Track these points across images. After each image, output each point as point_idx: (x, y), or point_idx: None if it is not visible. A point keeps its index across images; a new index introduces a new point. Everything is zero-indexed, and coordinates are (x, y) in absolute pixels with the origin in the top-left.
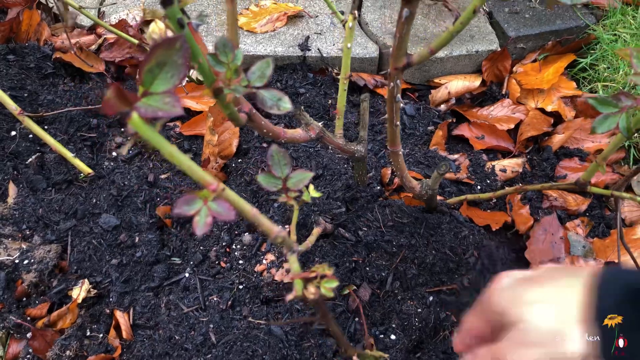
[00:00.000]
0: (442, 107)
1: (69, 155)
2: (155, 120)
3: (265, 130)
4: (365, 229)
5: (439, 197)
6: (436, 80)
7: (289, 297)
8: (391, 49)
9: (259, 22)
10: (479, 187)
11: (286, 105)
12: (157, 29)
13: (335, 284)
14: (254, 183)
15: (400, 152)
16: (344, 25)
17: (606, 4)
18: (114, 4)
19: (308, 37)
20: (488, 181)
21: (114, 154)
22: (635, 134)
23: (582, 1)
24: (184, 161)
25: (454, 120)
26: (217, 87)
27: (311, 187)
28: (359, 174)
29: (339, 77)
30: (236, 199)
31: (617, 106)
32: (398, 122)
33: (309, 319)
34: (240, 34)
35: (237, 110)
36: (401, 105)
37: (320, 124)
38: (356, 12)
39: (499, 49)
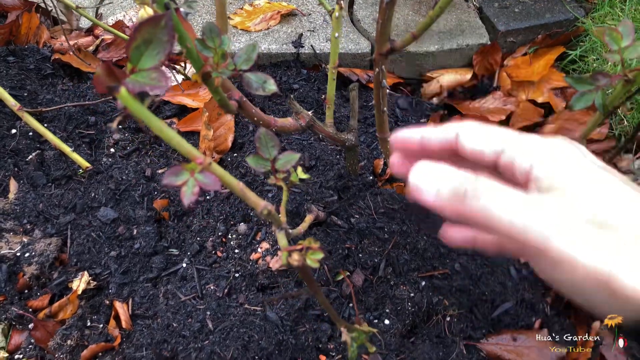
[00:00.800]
0: (435, 100)
1: (67, 149)
2: (144, 96)
3: (256, 119)
4: (358, 216)
5: None
6: (428, 74)
7: (275, 265)
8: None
9: (253, 21)
10: None
11: (271, 87)
12: (146, 14)
13: (320, 255)
14: (249, 175)
15: (389, 139)
16: (331, 15)
17: None
18: (110, 3)
19: (301, 35)
20: None
21: (112, 149)
22: (626, 122)
23: None
24: (173, 136)
25: (446, 113)
26: (205, 72)
27: (299, 169)
28: (350, 164)
29: None
30: (222, 173)
31: (592, 84)
32: (385, 109)
33: (299, 292)
34: (235, 32)
35: (227, 97)
36: (387, 91)
37: (310, 113)
38: (342, 2)
39: (489, 43)
